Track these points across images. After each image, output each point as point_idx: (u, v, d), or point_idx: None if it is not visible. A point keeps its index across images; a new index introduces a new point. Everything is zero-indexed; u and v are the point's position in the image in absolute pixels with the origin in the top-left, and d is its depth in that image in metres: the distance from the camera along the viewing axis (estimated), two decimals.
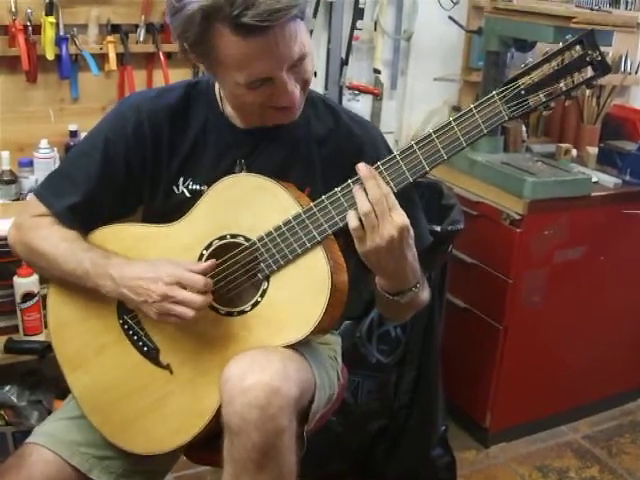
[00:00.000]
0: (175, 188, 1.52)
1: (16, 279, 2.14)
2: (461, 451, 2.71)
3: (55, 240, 1.50)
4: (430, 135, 1.31)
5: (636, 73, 3.30)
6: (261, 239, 1.40)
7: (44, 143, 2.33)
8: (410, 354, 2.41)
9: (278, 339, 1.39)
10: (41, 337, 2.17)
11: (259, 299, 1.41)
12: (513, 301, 2.60)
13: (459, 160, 2.69)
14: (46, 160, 2.32)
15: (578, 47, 1.25)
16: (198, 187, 1.50)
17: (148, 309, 1.39)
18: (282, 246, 1.38)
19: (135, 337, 1.51)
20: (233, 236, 1.43)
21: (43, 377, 2.35)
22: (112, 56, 2.38)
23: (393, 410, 2.44)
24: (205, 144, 1.51)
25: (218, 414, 1.36)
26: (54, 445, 1.50)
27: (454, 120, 1.30)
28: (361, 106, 2.91)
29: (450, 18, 2.88)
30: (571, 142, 3.01)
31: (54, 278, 1.55)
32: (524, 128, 2.92)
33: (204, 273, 1.40)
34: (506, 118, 1.28)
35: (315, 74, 2.59)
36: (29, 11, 2.24)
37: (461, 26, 2.92)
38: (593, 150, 2.92)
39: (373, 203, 1.30)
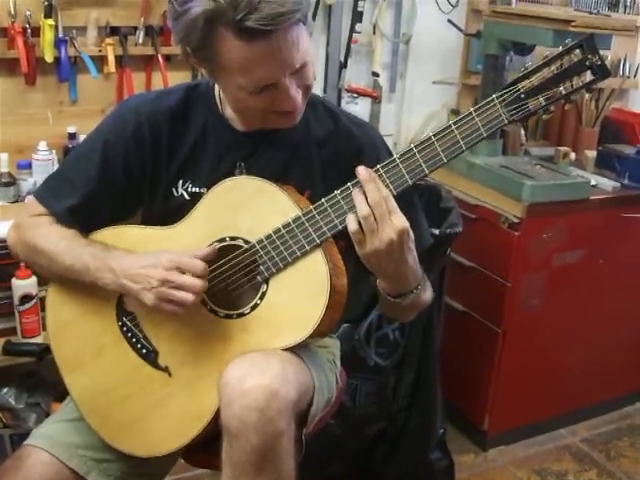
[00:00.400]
0: (174, 190, 1.51)
1: (14, 281, 2.14)
2: (459, 454, 2.71)
3: (54, 238, 1.50)
4: (430, 138, 1.31)
5: (635, 76, 3.31)
6: (260, 242, 1.40)
7: (43, 145, 2.33)
8: (409, 357, 2.41)
9: (277, 342, 1.39)
10: (39, 339, 2.17)
11: (258, 302, 1.41)
12: (512, 304, 2.60)
13: (458, 163, 2.69)
14: (45, 162, 2.32)
15: (578, 51, 1.26)
16: (197, 190, 1.50)
17: (146, 296, 1.38)
18: (281, 249, 1.38)
19: (134, 339, 1.51)
20: (232, 239, 1.43)
21: (41, 379, 2.34)
22: (111, 58, 2.38)
23: (392, 413, 2.43)
24: (205, 147, 1.51)
25: (216, 416, 1.36)
26: (52, 447, 1.50)
27: (454, 123, 1.30)
28: (360, 109, 2.91)
29: (449, 21, 2.89)
30: (570, 145, 3.01)
31: (54, 276, 1.55)
32: (523, 131, 2.93)
33: (205, 259, 1.39)
34: (506, 122, 1.28)
35: (314, 76, 2.59)
36: (28, 13, 2.23)
37: (460, 29, 2.93)
38: (592, 153, 2.93)
39: (372, 206, 1.30)
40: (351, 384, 2.34)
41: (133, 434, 1.51)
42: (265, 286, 1.41)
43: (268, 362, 1.33)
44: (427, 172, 1.32)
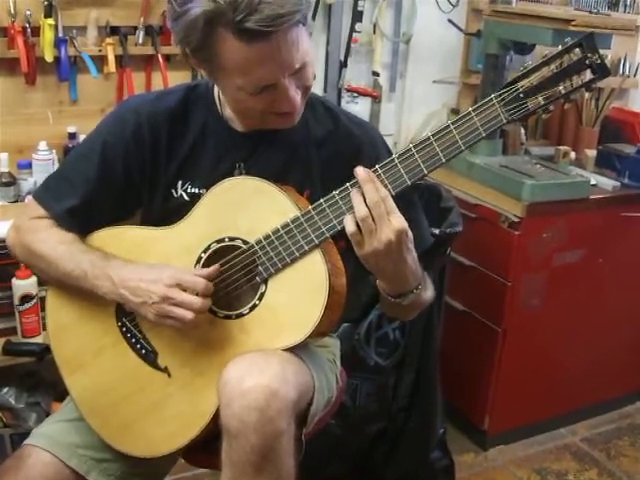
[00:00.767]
0: (174, 191, 1.51)
1: (14, 281, 2.14)
2: (460, 454, 2.71)
3: (53, 243, 1.50)
4: (428, 138, 1.30)
5: (635, 76, 3.31)
6: (259, 242, 1.40)
7: (43, 145, 2.33)
8: (409, 357, 2.41)
9: (276, 342, 1.39)
10: (39, 339, 2.17)
11: (257, 302, 1.41)
12: (512, 304, 2.60)
13: (458, 163, 2.69)
14: (45, 162, 2.32)
15: (577, 50, 1.25)
16: (197, 190, 1.50)
17: (146, 311, 1.39)
18: (280, 249, 1.38)
19: (133, 340, 1.51)
20: (231, 239, 1.43)
21: (41, 379, 2.35)
22: (111, 58, 2.38)
23: (392, 413, 2.43)
24: (204, 147, 1.51)
25: (216, 416, 1.36)
26: (52, 447, 1.50)
27: (452, 123, 1.30)
28: (360, 109, 2.91)
29: (449, 21, 2.89)
30: (570, 145, 3.01)
31: (52, 280, 1.55)
32: (523, 131, 2.93)
33: (208, 278, 1.40)
34: (504, 121, 1.28)
35: (314, 77, 2.59)
36: (28, 13, 2.23)
37: (460, 29, 2.93)
38: (592, 153, 2.92)
39: (371, 207, 1.30)
40: (351, 384, 2.34)
41: (133, 434, 1.51)
42: (264, 287, 1.41)
43: (267, 362, 1.33)
44: (426, 172, 1.32)
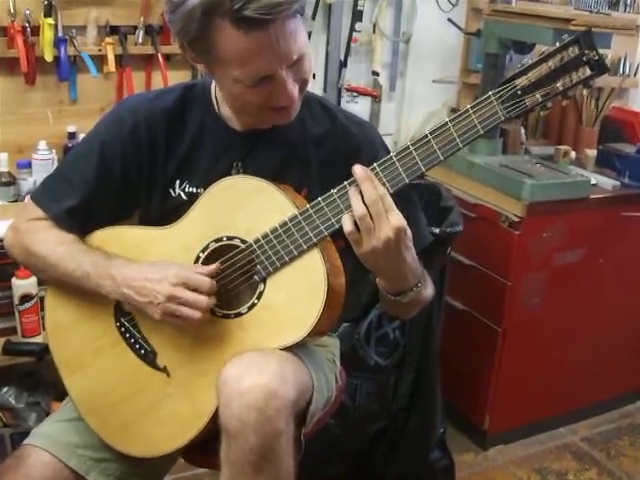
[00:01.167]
0: (172, 191, 1.51)
1: (14, 281, 2.14)
2: (460, 454, 2.71)
3: (52, 243, 1.49)
4: (426, 136, 1.30)
5: (635, 75, 3.30)
6: (257, 241, 1.40)
7: (43, 145, 2.33)
8: (409, 356, 2.41)
9: (275, 341, 1.39)
10: (39, 339, 2.17)
11: (255, 301, 1.41)
12: (512, 303, 2.60)
13: (458, 162, 2.69)
14: (45, 162, 2.32)
15: (575, 47, 1.24)
16: (195, 190, 1.50)
17: (152, 310, 1.39)
18: (278, 248, 1.38)
19: (132, 340, 1.51)
20: (229, 238, 1.43)
21: (41, 379, 2.35)
22: (111, 58, 2.38)
23: (392, 412, 2.43)
24: (202, 147, 1.51)
25: (216, 416, 1.36)
26: (52, 447, 1.50)
27: (450, 121, 1.29)
28: (360, 108, 2.91)
29: (449, 20, 2.89)
30: (570, 144, 3.01)
31: (52, 280, 1.55)
32: (523, 130, 2.92)
33: (210, 276, 1.40)
34: (502, 119, 1.27)
35: (314, 76, 2.59)
36: (28, 12, 2.23)
37: (460, 28, 2.93)
38: (592, 152, 2.92)
39: (369, 205, 1.30)
40: (351, 383, 2.34)
41: (132, 434, 1.51)
42: (262, 285, 1.41)
43: (266, 361, 1.32)
44: (424, 170, 1.31)
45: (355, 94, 2.88)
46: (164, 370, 1.48)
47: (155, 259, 1.47)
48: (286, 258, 1.38)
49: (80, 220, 1.51)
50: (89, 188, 1.50)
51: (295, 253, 1.37)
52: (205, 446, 1.46)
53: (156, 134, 1.49)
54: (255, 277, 1.41)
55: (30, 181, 2.31)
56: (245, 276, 1.43)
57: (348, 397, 2.36)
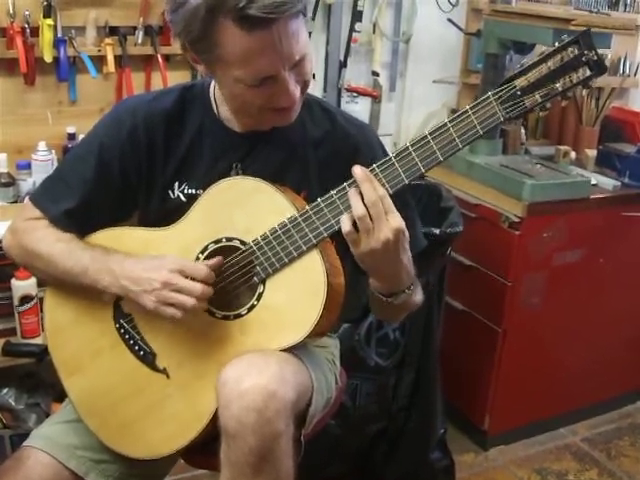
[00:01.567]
0: (170, 193, 1.51)
1: (14, 282, 2.14)
2: (460, 454, 2.71)
3: (51, 241, 1.49)
4: (425, 137, 1.30)
5: (635, 75, 3.30)
6: (257, 242, 1.39)
7: (42, 145, 2.33)
8: (409, 357, 2.41)
9: (275, 342, 1.39)
10: (39, 340, 2.17)
11: (255, 302, 1.41)
12: (512, 304, 2.60)
13: (458, 162, 2.69)
14: (44, 162, 2.32)
15: (574, 47, 1.24)
16: (194, 191, 1.49)
17: (147, 298, 1.38)
18: (278, 249, 1.38)
19: (131, 341, 1.50)
20: (229, 239, 1.43)
21: (41, 380, 2.34)
22: (110, 58, 2.38)
23: (392, 413, 2.43)
24: (201, 148, 1.51)
25: (215, 417, 1.35)
26: (51, 448, 1.49)
27: (450, 121, 1.29)
28: (360, 108, 2.91)
29: (449, 20, 2.89)
30: (570, 144, 3.01)
31: (51, 279, 1.55)
32: (523, 130, 2.92)
33: (210, 269, 1.39)
34: (502, 119, 1.27)
35: (314, 76, 2.58)
36: (27, 13, 2.23)
37: (460, 28, 2.92)
38: (592, 152, 2.92)
39: (369, 206, 1.30)
40: (351, 384, 2.34)
41: (132, 436, 1.50)
42: (262, 287, 1.41)
43: (266, 362, 1.32)
44: (423, 171, 1.31)
45: (355, 94, 2.88)
46: (163, 371, 1.48)
47: None
48: (285, 259, 1.38)
49: (78, 221, 1.51)
50: (88, 189, 1.49)
51: (294, 254, 1.37)
52: (205, 447, 1.46)
53: (155, 135, 1.49)
54: (254, 278, 1.41)
55: (29, 182, 2.31)
56: (244, 277, 1.43)
57: (348, 397, 2.36)
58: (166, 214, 1.49)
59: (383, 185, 1.32)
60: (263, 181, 1.41)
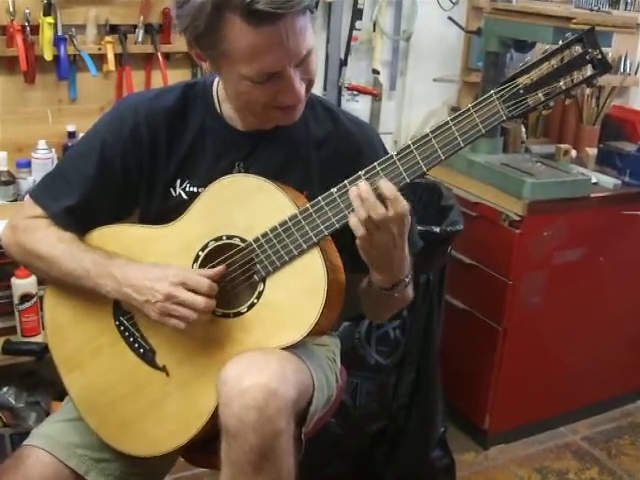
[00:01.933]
0: (172, 190, 1.51)
1: (14, 280, 2.14)
2: (460, 453, 2.71)
3: (52, 241, 1.49)
4: (427, 135, 1.30)
5: (635, 74, 3.30)
6: (257, 240, 1.39)
7: (42, 144, 2.32)
8: (409, 355, 2.40)
9: (275, 341, 1.39)
10: (39, 338, 2.17)
11: (255, 300, 1.41)
12: (512, 302, 2.60)
13: (458, 161, 2.69)
14: (44, 161, 2.31)
15: (578, 45, 1.24)
16: (195, 189, 1.49)
17: (150, 309, 1.38)
18: (278, 247, 1.38)
19: (131, 339, 1.50)
20: (229, 237, 1.42)
21: (41, 378, 2.34)
22: (110, 57, 2.37)
23: (392, 412, 2.43)
24: (203, 146, 1.50)
25: (215, 416, 1.36)
26: (52, 447, 1.49)
27: (452, 120, 1.29)
28: (360, 107, 2.91)
29: (449, 19, 2.88)
30: (570, 143, 3.01)
31: (51, 279, 1.54)
32: (523, 129, 2.92)
33: (212, 279, 1.39)
34: (504, 118, 1.27)
35: None
36: (27, 11, 2.23)
37: (460, 27, 2.92)
38: (592, 151, 2.92)
39: (369, 209, 1.29)
40: (351, 383, 2.34)
41: (131, 434, 1.50)
42: (262, 285, 1.41)
43: (267, 360, 1.32)
44: (425, 169, 1.31)
45: (355, 93, 2.87)
46: (163, 369, 1.48)
47: (155, 258, 1.46)
48: (286, 257, 1.38)
49: (79, 219, 1.51)
50: (89, 187, 1.49)
51: (295, 253, 1.37)
52: (205, 445, 1.46)
53: (157, 133, 1.48)
54: (255, 276, 1.41)
55: (29, 180, 2.31)
56: (245, 275, 1.43)
57: (348, 396, 2.36)
58: (167, 212, 1.49)
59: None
60: (264, 179, 1.41)
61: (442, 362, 2.49)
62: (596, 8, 2.83)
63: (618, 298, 2.86)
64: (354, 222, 1.31)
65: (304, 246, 1.36)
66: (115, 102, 2.37)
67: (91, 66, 2.35)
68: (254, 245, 1.39)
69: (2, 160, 2.27)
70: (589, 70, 1.24)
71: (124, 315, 1.50)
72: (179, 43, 2.45)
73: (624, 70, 3.22)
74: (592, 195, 2.62)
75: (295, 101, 1.37)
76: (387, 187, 1.29)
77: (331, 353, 1.72)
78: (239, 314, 1.42)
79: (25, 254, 1.53)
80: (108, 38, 2.37)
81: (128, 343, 1.51)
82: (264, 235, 1.38)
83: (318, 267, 1.36)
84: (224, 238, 1.43)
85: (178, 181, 1.51)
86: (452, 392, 2.66)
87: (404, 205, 1.30)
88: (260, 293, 1.41)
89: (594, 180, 2.69)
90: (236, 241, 1.42)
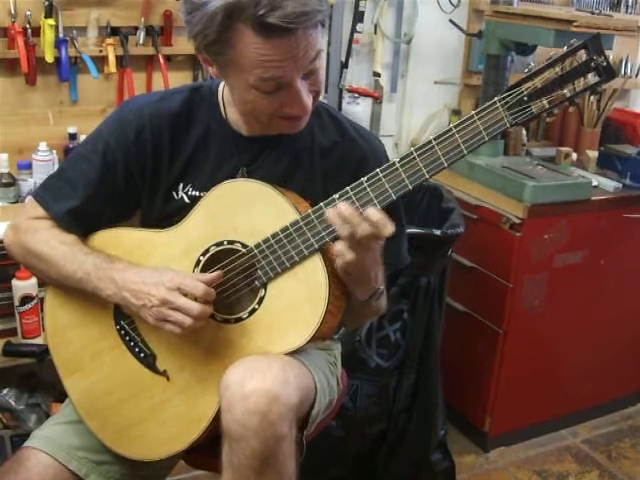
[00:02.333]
0: (174, 194, 1.50)
1: (15, 282, 2.13)
2: (460, 455, 2.71)
3: (54, 243, 1.48)
4: (430, 142, 1.29)
5: (636, 77, 3.30)
6: (258, 246, 1.39)
7: (43, 146, 2.32)
8: (410, 358, 2.40)
9: (276, 347, 1.38)
10: (39, 340, 2.16)
11: (256, 306, 1.40)
12: (513, 305, 2.60)
13: (459, 164, 2.63)
14: (45, 163, 2.32)
15: (583, 52, 1.23)
16: (198, 193, 1.49)
17: (146, 314, 1.38)
18: (279, 253, 1.37)
19: (132, 343, 1.50)
20: (230, 242, 1.42)
21: (41, 380, 2.34)
22: (111, 59, 2.37)
23: (392, 414, 2.43)
24: (206, 150, 1.50)
25: (215, 420, 1.36)
26: (52, 449, 1.49)
27: (455, 127, 1.28)
28: (361, 109, 2.91)
29: (450, 21, 2.88)
30: (571, 146, 3.01)
31: (51, 281, 1.54)
32: (524, 132, 2.92)
33: (209, 284, 1.38)
34: (508, 125, 1.26)
35: None
36: (28, 13, 2.23)
37: (461, 29, 2.92)
38: (593, 154, 2.92)
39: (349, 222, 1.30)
40: (352, 385, 2.34)
41: (131, 437, 1.50)
42: (263, 291, 1.40)
43: (269, 365, 1.32)
44: (427, 176, 1.30)
45: (356, 95, 2.87)
46: (164, 374, 1.48)
47: (156, 262, 1.46)
48: (287, 263, 1.37)
49: (81, 221, 1.51)
50: (91, 189, 1.49)
51: (296, 258, 1.37)
52: (207, 448, 1.46)
53: (161, 136, 1.48)
54: (256, 282, 1.41)
55: (30, 182, 2.31)
56: (246, 281, 1.42)
57: (349, 399, 2.36)
58: (169, 215, 1.49)
59: (386, 190, 1.31)
60: (266, 184, 1.40)
61: (442, 365, 2.49)
62: (597, 11, 2.83)
63: (619, 301, 2.86)
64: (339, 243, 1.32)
65: (305, 252, 1.36)
66: (116, 104, 2.38)
67: (92, 68, 2.35)
68: (255, 250, 1.39)
69: (3, 162, 2.27)
70: (594, 77, 1.23)
71: (125, 319, 1.50)
72: (180, 45, 2.46)
73: (625, 73, 3.22)
74: (593, 198, 2.62)
75: (302, 112, 1.37)
76: (374, 213, 1.29)
77: (332, 357, 1.72)
78: (240, 320, 1.42)
79: (26, 254, 1.52)
80: (109, 40, 2.37)
81: (129, 347, 1.50)
82: (265, 241, 1.38)
83: (320, 274, 1.36)
84: (225, 243, 1.42)
85: (181, 185, 1.50)
86: (452, 395, 2.66)
87: (375, 213, 1.29)
88: (261, 299, 1.40)
89: (595, 183, 2.69)
90: (237, 246, 1.41)
